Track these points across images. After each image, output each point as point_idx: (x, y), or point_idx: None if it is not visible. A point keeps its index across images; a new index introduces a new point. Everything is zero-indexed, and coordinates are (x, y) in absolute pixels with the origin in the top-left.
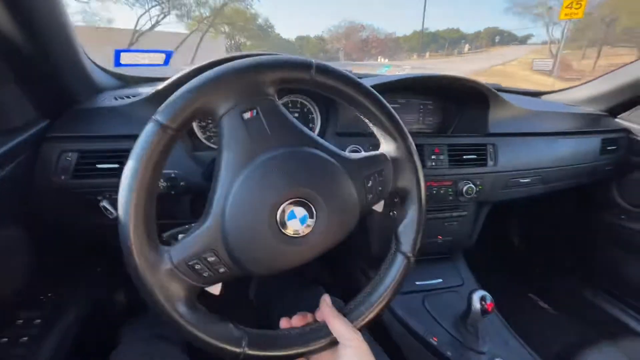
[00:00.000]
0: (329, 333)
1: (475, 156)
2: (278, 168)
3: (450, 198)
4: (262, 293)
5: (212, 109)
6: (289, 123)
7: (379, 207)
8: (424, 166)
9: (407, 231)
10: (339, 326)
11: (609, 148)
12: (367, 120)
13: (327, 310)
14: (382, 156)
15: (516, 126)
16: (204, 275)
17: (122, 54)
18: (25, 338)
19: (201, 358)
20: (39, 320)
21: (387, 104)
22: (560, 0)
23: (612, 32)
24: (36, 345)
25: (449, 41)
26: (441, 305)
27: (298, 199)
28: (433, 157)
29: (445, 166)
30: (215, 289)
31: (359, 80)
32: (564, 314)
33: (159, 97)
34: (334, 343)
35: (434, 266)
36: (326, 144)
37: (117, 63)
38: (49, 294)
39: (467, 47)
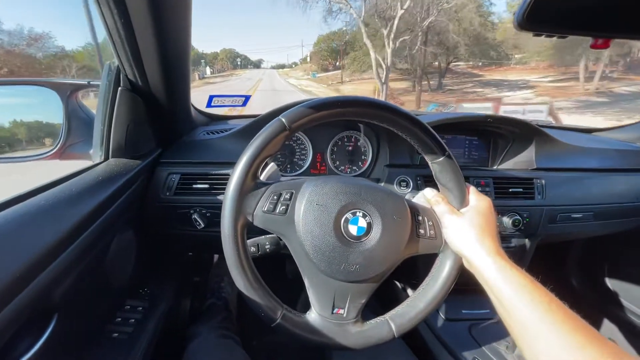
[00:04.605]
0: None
1: (521, 189)
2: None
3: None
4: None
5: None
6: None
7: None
8: None
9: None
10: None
11: None
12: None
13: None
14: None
15: (565, 162)
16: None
17: (214, 98)
18: (133, 320)
19: (254, 353)
20: (140, 308)
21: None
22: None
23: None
24: (140, 326)
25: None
26: (488, 334)
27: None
28: (479, 189)
29: (491, 198)
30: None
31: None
32: None
33: (238, 136)
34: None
35: (482, 296)
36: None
37: (209, 104)
38: (145, 289)
39: (208, 69)
